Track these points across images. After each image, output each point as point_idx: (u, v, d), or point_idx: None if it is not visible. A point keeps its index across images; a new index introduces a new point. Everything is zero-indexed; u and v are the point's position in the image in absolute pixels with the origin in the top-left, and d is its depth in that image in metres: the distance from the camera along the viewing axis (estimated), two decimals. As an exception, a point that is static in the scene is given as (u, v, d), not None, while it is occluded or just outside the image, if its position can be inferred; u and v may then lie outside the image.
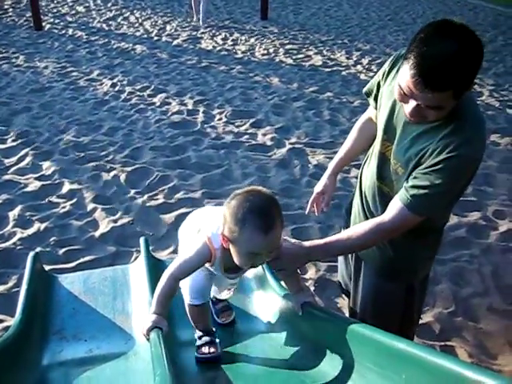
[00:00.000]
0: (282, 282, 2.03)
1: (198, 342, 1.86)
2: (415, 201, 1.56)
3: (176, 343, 1.95)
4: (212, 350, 1.82)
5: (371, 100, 1.95)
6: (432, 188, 1.53)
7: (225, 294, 2.10)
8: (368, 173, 1.90)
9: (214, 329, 1.92)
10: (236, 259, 1.62)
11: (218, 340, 1.86)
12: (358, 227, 1.73)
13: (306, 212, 2.33)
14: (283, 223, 1.61)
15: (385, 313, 1.93)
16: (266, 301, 2.14)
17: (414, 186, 1.56)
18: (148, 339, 1.64)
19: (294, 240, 1.76)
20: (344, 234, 1.74)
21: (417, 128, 1.59)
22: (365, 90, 2.00)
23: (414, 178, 1.57)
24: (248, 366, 1.78)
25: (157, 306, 1.70)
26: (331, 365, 1.52)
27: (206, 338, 1.85)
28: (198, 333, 1.89)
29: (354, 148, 2.17)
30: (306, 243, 1.73)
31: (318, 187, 2.22)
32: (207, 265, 1.76)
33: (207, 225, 1.76)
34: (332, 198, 2.25)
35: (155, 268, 2.30)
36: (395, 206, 1.62)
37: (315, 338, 1.67)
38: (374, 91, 1.88)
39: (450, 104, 1.47)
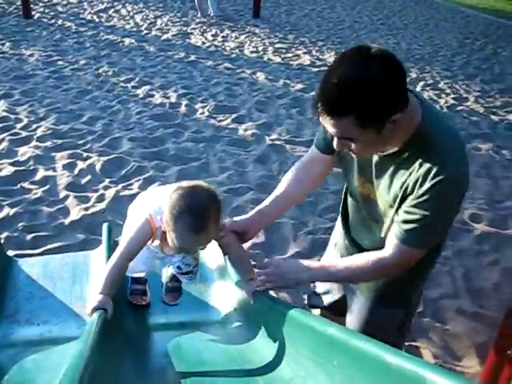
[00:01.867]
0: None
1: (130, 288, 2.01)
2: (410, 236, 1.52)
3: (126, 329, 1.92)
4: (144, 298, 2.00)
5: (323, 148, 1.84)
6: (424, 219, 1.48)
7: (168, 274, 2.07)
8: (355, 215, 1.87)
9: (145, 278, 2.03)
10: (171, 245, 1.67)
11: (148, 290, 2.02)
12: (358, 260, 1.65)
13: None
14: (219, 221, 1.66)
15: (379, 334, 1.83)
16: (225, 291, 2.12)
17: (405, 221, 1.51)
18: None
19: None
20: (343, 263, 1.67)
21: (389, 163, 1.55)
22: (315, 142, 1.88)
23: (405, 212, 1.52)
24: (198, 355, 1.75)
25: (104, 287, 1.68)
26: (272, 352, 1.50)
27: (137, 287, 2.01)
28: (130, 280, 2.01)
29: (289, 194, 1.96)
30: (304, 262, 1.70)
31: (240, 226, 1.92)
32: (149, 243, 1.76)
33: (150, 203, 1.78)
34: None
35: (116, 254, 2.26)
36: (392, 242, 1.57)
37: (263, 325, 1.65)
38: (327, 139, 1.77)
39: (361, 134, 1.40)
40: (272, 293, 2.73)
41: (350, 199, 1.90)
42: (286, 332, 1.45)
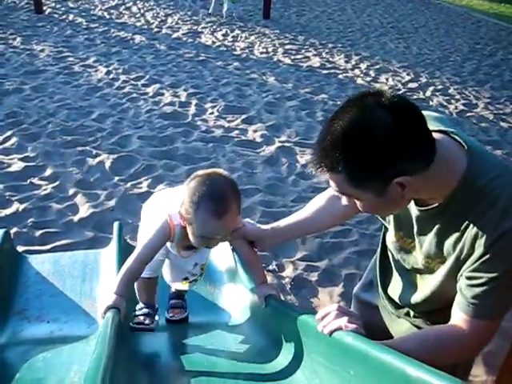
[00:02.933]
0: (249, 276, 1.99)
1: (137, 312, 1.86)
2: (480, 306, 1.27)
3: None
4: (148, 321, 1.82)
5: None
6: (492, 282, 1.25)
7: (179, 285, 2.01)
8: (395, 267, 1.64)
9: (157, 307, 1.91)
10: (191, 239, 1.63)
11: (157, 317, 1.87)
12: (428, 339, 1.32)
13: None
14: (240, 208, 1.60)
15: None
16: (235, 294, 2.11)
17: (471, 290, 1.28)
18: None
19: None
20: (409, 341, 1.30)
21: (434, 219, 1.34)
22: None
23: (467, 278, 1.29)
24: (208, 358, 1.74)
25: (119, 287, 1.67)
26: (286, 358, 1.49)
27: (145, 310, 1.86)
28: (140, 304, 1.88)
29: (313, 221, 1.82)
30: None
31: (255, 234, 1.83)
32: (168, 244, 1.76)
33: (168, 203, 1.76)
34: None
35: (126, 254, 2.25)
36: (461, 319, 1.30)
37: (276, 330, 1.64)
38: None
39: (359, 194, 1.25)
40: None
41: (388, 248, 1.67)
42: (300, 338, 1.44)
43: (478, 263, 1.26)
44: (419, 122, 1.20)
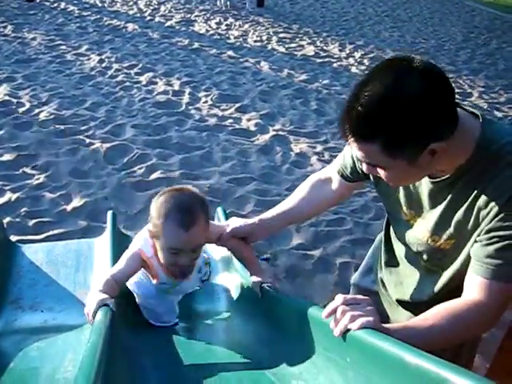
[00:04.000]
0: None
1: None
2: (500, 267, 1.22)
3: (133, 320, 1.91)
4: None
5: (346, 176, 1.68)
6: (507, 241, 1.21)
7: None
8: (403, 255, 1.60)
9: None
10: (160, 256, 1.61)
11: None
12: (447, 311, 1.25)
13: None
14: (208, 223, 1.60)
15: None
16: (230, 283, 2.10)
17: (488, 249, 1.24)
18: (89, 319, 1.57)
19: None
20: (430, 318, 1.24)
21: (446, 190, 1.32)
22: (338, 168, 1.70)
23: (484, 240, 1.25)
24: (204, 347, 1.73)
25: (106, 286, 1.64)
26: (284, 348, 1.49)
27: None
28: None
29: (302, 209, 1.81)
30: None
31: (244, 229, 1.80)
32: (154, 282, 1.72)
33: (140, 234, 1.75)
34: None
35: (120, 243, 2.25)
36: (479, 283, 1.25)
37: (272, 319, 1.64)
38: (353, 168, 1.62)
39: (390, 163, 1.22)
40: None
41: (393, 235, 1.65)
42: (296, 327, 1.43)
43: (492, 223, 1.23)
44: (449, 86, 1.19)
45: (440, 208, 1.36)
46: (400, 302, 1.64)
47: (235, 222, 1.83)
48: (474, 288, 1.26)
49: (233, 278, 2.09)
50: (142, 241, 1.70)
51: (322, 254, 3.40)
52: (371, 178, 1.57)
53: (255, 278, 1.76)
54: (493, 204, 1.23)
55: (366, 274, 1.94)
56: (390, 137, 1.17)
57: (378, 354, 1.03)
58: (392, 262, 1.67)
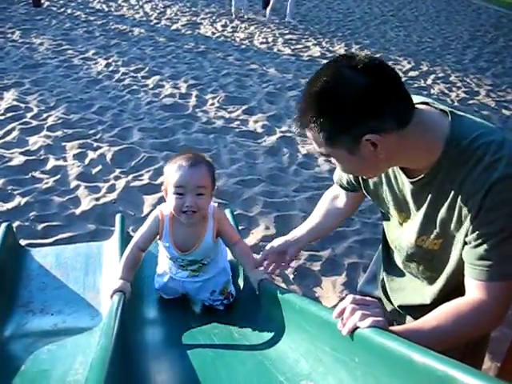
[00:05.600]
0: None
1: None
2: (492, 267, 1.23)
3: (141, 320, 1.92)
4: None
5: (344, 186, 1.74)
6: (497, 236, 1.21)
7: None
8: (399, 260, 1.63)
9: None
10: (171, 205, 1.77)
11: None
12: (449, 312, 1.26)
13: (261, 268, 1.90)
14: (211, 173, 1.79)
15: None
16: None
17: (477, 251, 1.25)
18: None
19: None
20: (433, 320, 1.25)
21: (426, 189, 1.34)
22: (336, 179, 1.78)
23: (470, 241, 1.26)
24: (210, 347, 1.74)
25: (122, 272, 1.82)
26: (288, 346, 1.49)
27: None
28: None
29: (323, 225, 1.89)
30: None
31: (279, 245, 1.87)
32: (160, 243, 1.91)
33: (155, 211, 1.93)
34: None
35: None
36: (476, 286, 1.26)
37: (278, 320, 1.64)
38: (351, 177, 1.66)
39: (331, 152, 1.28)
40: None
41: (389, 241, 1.66)
42: (304, 327, 1.43)
43: (474, 223, 1.24)
44: (389, 81, 1.22)
45: (423, 208, 1.38)
46: (402, 308, 1.65)
47: (274, 241, 1.91)
48: (474, 290, 1.27)
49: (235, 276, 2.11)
50: (159, 207, 1.89)
51: (330, 254, 3.40)
52: (361, 182, 1.61)
53: (253, 275, 1.83)
54: (472, 200, 1.24)
55: (370, 282, 1.97)
56: (323, 124, 1.22)
57: (387, 354, 1.04)
58: (392, 268, 1.69)
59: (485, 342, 1.68)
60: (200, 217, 1.81)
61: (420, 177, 1.34)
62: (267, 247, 1.89)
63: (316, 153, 1.32)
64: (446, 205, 1.31)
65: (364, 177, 1.51)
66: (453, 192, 1.28)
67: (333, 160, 1.34)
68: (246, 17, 10.08)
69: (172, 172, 1.73)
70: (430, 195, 1.34)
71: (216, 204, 1.94)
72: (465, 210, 1.27)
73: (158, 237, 1.88)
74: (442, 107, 1.34)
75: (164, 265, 2.00)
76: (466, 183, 1.25)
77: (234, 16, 10.07)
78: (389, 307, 1.74)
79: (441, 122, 1.30)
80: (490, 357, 2.76)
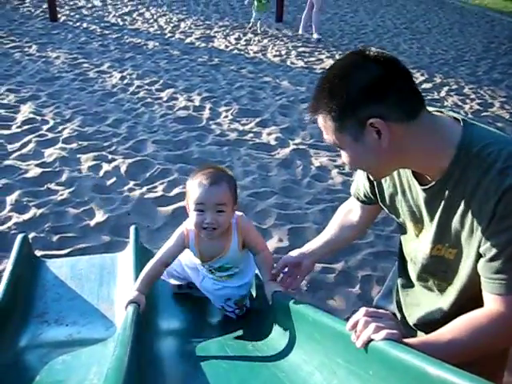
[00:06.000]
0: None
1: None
2: (509, 281, 1.22)
3: (155, 331, 1.93)
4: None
5: (361, 199, 1.76)
6: (508, 248, 1.21)
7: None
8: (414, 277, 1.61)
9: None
10: (191, 221, 1.79)
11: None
12: (467, 324, 1.25)
13: (278, 279, 1.91)
14: (232, 190, 1.78)
15: None
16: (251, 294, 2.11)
17: (491, 264, 1.24)
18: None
19: None
20: (449, 332, 1.24)
21: (438, 197, 1.34)
22: (353, 192, 1.79)
23: (484, 255, 1.26)
24: (223, 358, 1.74)
25: (139, 284, 1.84)
26: (302, 358, 1.48)
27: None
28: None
29: (339, 238, 1.90)
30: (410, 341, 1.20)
31: (294, 258, 1.88)
32: (189, 254, 1.92)
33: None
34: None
35: (143, 257, 2.28)
36: (493, 300, 1.25)
37: (287, 328, 1.65)
38: (368, 189, 1.68)
39: (338, 138, 1.30)
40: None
41: (406, 254, 1.65)
42: (318, 339, 1.43)
43: (487, 232, 1.23)
44: (400, 73, 1.26)
45: (436, 217, 1.37)
46: (416, 326, 1.63)
47: (289, 254, 1.92)
48: (491, 303, 1.26)
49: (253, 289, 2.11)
50: (185, 223, 1.90)
51: (344, 267, 3.39)
52: (377, 194, 1.62)
53: (268, 286, 1.83)
54: (485, 208, 1.23)
55: (386, 297, 1.96)
56: (331, 108, 1.26)
57: (401, 367, 1.03)
58: (407, 283, 1.68)
59: (504, 358, 1.66)
60: (221, 232, 1.81)
61: (432, 184, 1.34)
62: (282, 260, 1.89)
63: (326, 141, 1.34)
64: (458, 213, 1.31)
65: (371, 177, 1.51)
66: (464, 200, 1.28)
67: (342, 153, 1.36)
68: (262, 29, 10.11)
69: (193, 188, 1.75)
70: (442, 203, 1.34)
71: (241, 213, 1.93)
72: (477, 219, 1.26)
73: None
74: (455, 115, 1.35)
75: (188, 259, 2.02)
76: (478, 191, 1.24)
77: (251, 28, 10.11)
78: (404, 325, 1.71)
79: (453, 128, 1.31)
80: (508, 373, 2.72)
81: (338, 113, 1.26)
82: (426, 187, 1.36)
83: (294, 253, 1.89)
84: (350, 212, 1.88)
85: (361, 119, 1.24)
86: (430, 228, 1.42)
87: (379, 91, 1.23)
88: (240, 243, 1.88)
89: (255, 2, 9.89)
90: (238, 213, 1.91)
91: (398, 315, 1.75)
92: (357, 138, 1.27)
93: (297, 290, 3.10)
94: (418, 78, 7.78)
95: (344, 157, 1.36)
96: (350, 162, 1.36)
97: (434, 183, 1.34)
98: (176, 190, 4.14)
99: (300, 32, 10.22)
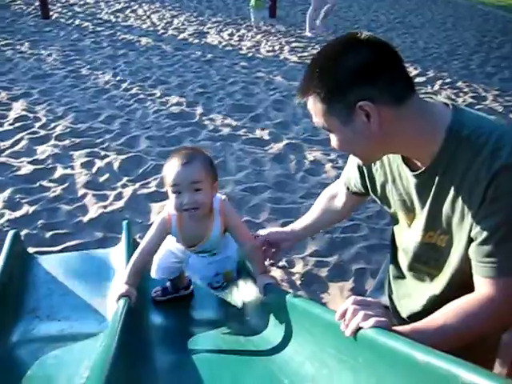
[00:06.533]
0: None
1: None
2: (498, 262, 1.22)
3: (146, 325, 1.92)
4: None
5: (351, 188, 1.76)
6: (502, 228, 1.20)
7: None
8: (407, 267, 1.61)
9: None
10: (171, 205, 1.78)
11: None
12: (458, 308, 1.25)
13: None
14: (207, 165, 1.77)
15: None
16: (244, 289, 2.11)
17: (481, 247, 1.24)
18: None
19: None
20: (441, 316, 1.24)
21: (429, 182, 1.34)
22: (344, 180, 1.78)
23: (475, 239, 1.25)
24: (215, 352, 1.74)
25: (128, 277, 1.82)
26: (293, 349, 1.49)
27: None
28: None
29: (321, 222, 1.95)
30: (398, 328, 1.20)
31: (275, 236, 1.93)
32: (172, 240, 1.88)
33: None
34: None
35: (135, 252, 2.27)
36: (483, 283, 1.25)
37: (279, 320, 1.65)
38: (359, 180, 1.68)
39: (326, 121, 1.30)
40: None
41: (398, 245, 1.65)
42: (309, 330, 1.44)
43: (478, 215, 1.23)
44: (390, 57, 1.27)
45: (428, 204, 1.37)
46: (410, 318, 1.62)
47: (270, 230, 1.98)
48: (482, 287, 1.25)
49: (247, 285, 2.10)
50: (167, 208, 1.88)
51: (338, 260, 3.39)
52: (368, 186, 1.62)
53: (259, 280, 1.84)
54: (475, 191, 1.23)
55: (378, 290, 1.96)
56: (319, 90, 1.26)
57: (389, 353, 1.03)
58: (399, 274, 1.68)
59: (495, 348, 1.67)
60: (204, 211, 1.80)
61: (422, 169, 1.34)
62: (262, 237, 1.91)
63: (315, 124, 1.33)
64: (449, 198, 1.31)
65: (360, 162, 1.49)
66: (455, 184, 1.28)
67: (331, 137, 1.35)
68: (264, 27, 10.04)
69: (168, 171, 1.74)
70: (433, 189, 1.34)
71: (223, 196, 1.92)
72: (468, 202, 1.25)
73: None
74: (445, 101, 1.35)
75: (169, 247, 2.02)
76: (468, 174, 1.24)
77: (254, 27, 9.98)
78: (396, 318, 1.72)
79: (442, 112, 1.31)
80: (499, 362, 2.73)
81: (327, 95, 1.25)
82: (417, 173, 1.36)
83: (276, 232, 1.94)
84: (334, 197, 1.88)
85: (350, 102, 1.23)
86: (421, 216, 1.42)
87: (369, 74, 1.22)
88: (222, 228, 1.87)
89: (252, 1, 9.82)
90: (221, 196, 1.90)
91: (391, 307, 1.75)
92: (346, 121, 1.27)
93: (288, 283, 3.11)
94: (412, 71, 7.77)
95: (333, 140, 1.35)
96: (339, 145, 1.35)
97: (424, 168, 1.34)
98: (169, 186, 4.13)
99: (309, 33, 9.95)
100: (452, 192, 1.29)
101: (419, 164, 1.36)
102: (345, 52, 1.25)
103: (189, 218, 1.80)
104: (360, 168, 1.63)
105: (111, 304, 2.02)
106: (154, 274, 2.07)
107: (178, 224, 1.84)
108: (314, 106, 1.30)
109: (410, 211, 1.48)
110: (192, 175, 1.72)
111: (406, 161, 1.41)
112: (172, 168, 1.72)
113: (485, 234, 1.22)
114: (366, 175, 1.61)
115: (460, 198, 1.28)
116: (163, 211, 1.90)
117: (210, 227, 1.85)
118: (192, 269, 2.05)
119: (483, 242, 1.23)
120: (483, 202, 1.22)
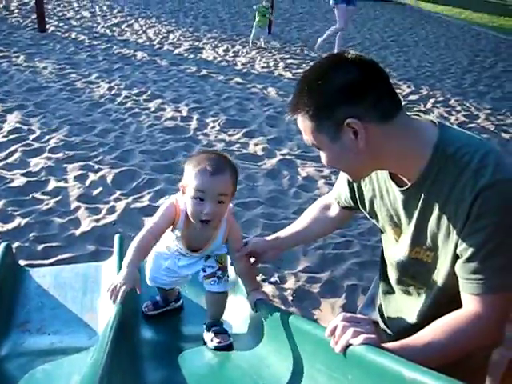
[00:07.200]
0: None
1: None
2: (486, 280, 1.22)
3: (137, 338, 1.92)
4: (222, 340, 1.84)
5: (342, 203, 1.77)
6: (486, 246, 1.21)
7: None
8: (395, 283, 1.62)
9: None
10: (188, 208, 1.70)
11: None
12: (445, 326, 1.25)
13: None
14: (234, 180, 1.71)
15: None
16: (235, 305, 2.11)
17: (470, 267, 1.24)
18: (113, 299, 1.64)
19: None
20: (429, 334, 1.24)
21: (415, 198, 1.35)
22: (335, 195, 1.80)
23: (461, 256, 1.27)
24: (205, 367, 1.74)
25: (131, 257, 1.71)
26: (284, 366, 1.49)
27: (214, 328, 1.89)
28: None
29: (311, 232, 1.94)
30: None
31: (260, 246, 1.90)
32: (172, 234, 1.80)
33: (170, 199, 1.84)
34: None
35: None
36: (471, 300, 1.26)
37: (274, 338, 1.64)
38: (348, 194, 1.69)
39: (316, 138, 1.31)
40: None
41: (387, 260, 1.65)
42: (299, 346, 1.44)
43: (463, 233, 1.25)
44: (377, 75, 1.28)
45: (414, 219, 1.38)
46: (400, 333, 1.56)
47: (256, 239, 1.95)
48: (469, 304, 1.26)
49: (238, 300, 2.10)
50: (175, 196, 1.80)
51: (330, 276, 3.40)
52: (358, 201, 1.64)
53: (251, 295, 1.83)
54: (460, 209, 1.24)
55: (369, 305, 1.96)
56: (308, 107, 1.28)
57: (378, 370, 1.04)
58: (389, 289, 1.68)
59: (485, 365, 1.67)
60: (216, 223, 1.76)
61: (409, 186, 1.36)
62: (247, 247, 1.88)
63: (305, 141, 1.35)
64: (434, 215, 1.32)
65: (350, 178, 1.51)
66: (441, 201, 1.30)
67: (321, 154, 1.37)
68: (263, 46, 10.06)
69: (194, 174, 1.65)
70: (419, 205, 1.36)
71: (231, 205, 1.89)
72: (453, 219, 1.27)
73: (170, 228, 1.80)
74: (431, 118, 1.37)
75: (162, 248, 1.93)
76: (454, 191, 1.26)
77: (250, 44, 9.99)
78: (385, 332, 1.72)
79: (429, 129, 1.33)
80: (489, 379, 2.73)
81: (315, 112, 1.28)
82: (403, 189, 1.38)
83: (260, 242, 1.91)
84: (326, 208, 1.88)
85: (338, 119, 1.26)
86: (407, 231, 1.43)
87: (357, 92, 1.25)
88: (225, 237, 1.84)
89: (257, 17, 9.87)
90: (230, 204, 1.85)
91: (381, 323, 1.75)
92: (334, 138, 1.29)
93: (280, 299, 3.10)
94: (405, 89, 7.85)
95: (322, 157, 1.37)
96: (328, 162, 1.36)
97: (410, 184, 1.35)
98: (162, 200, 4.13)
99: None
100: (438, 209, 1.31)
101: (406, 180, 1.38)
102: (333, 70, 1.27)
103: (199, 228, 1.73)
104: (350, 184, 1.65)
105: (103, 319, 2.02)
106: (150, 282, 2.02)
107: (184, 223, 1.76)
108: (303, 123, 1.32)
109: (397, 226, 1.50)
110: (220, 187, 1.66)
111: (393, 177, 1.42)
112: (201, 173, 1.64)
113: (470, 251, 1.24)
114: (356, 190, 1.63)
115: (445, 216, 1.29)
116: (171, 197, 1.82)
117: (215, 235, 1.81)
118: (182, 269, 1.99)
119: (469, 259, 1.25)
120: (468, 219, 1.23)
